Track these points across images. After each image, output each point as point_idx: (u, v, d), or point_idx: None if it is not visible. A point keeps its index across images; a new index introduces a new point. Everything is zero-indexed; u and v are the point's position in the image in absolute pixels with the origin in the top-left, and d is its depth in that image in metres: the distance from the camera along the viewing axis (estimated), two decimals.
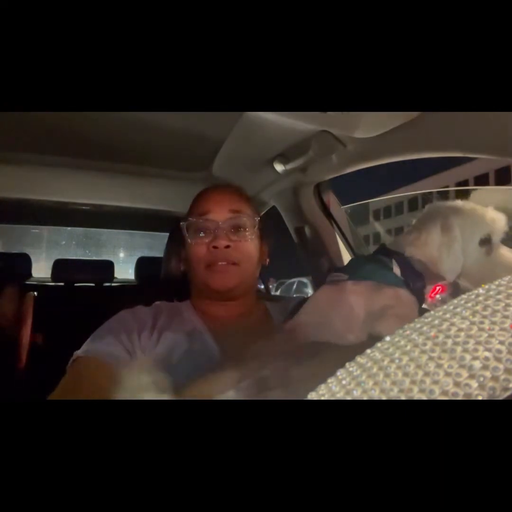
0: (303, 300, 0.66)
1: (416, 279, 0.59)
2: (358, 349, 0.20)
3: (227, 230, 0.69)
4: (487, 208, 0.59)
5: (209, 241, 0.69)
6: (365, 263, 0.64)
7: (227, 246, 0.69)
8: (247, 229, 0.72)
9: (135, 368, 0.50)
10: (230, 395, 0.48)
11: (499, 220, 0.58)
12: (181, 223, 0.72)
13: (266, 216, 1.43)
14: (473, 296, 0.19)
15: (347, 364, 0.19)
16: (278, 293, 6.48)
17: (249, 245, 0.72)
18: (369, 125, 0.73)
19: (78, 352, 0.63)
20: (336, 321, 0.57)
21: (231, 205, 0.72)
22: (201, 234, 0.70)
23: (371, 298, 0.56)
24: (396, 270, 0.59)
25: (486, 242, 0.57)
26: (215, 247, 0.68)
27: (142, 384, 0.44)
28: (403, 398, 0.16)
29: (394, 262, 0.59)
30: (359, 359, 0.19)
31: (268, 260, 0.81)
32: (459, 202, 0.61)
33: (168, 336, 0.65)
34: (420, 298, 0.59)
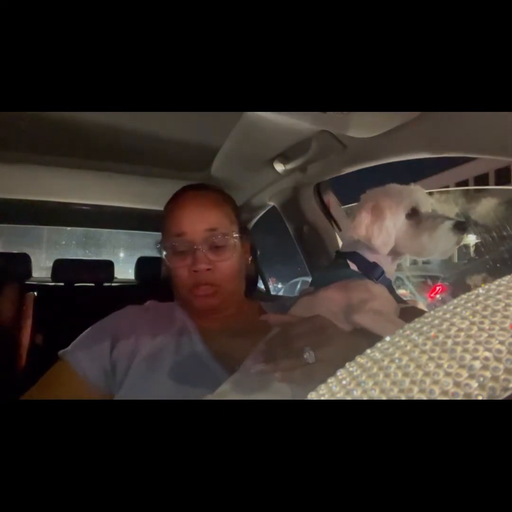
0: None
1: (373, 268, 0.64)
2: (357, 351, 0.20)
3: (206, 252, 0.67)
4: (406, 185, 0.66)
5: (189, 264, 0.67)
6: (325, 270, 0.72)
7: (208, 269, 0.67)
8: (226, 246, 0.69)
9: None
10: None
11: (417, 194, 0.64)
12: (157, 246, 0.71)
13: (262, 216, 1.44)
14: (473, 296, 0.19)
15: (347, 364, 0.19)
16: (281, 293, 6.47)
17: (230, 263, 0.69)
18: (369, 125, 0.73)
19: (60, 353, 0.64)
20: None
21: (205, 223, 0.68)
22: (180, 256, 0.68)
23: (344, 296, 0.60)
24: (353, 267, 0.65)
25: (412, 214, 0.64)
26: (195, 271, 0.66)
27: None
28: (403, 398, 0.16)
29: (348, 261, 0.65)
30: (359, 359, 0.19)
31: (251, 258, 0.79)
32: (383, 187, 0.68)
33: (157, 336, 0.65)
34: (386, 284, 0.64)
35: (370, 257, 0.65)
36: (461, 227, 0.61)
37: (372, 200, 0.65)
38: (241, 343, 0.58)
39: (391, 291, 0.65)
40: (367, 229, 0.63)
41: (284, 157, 1.02)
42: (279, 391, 0.47)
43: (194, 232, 0.67)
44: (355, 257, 0.65)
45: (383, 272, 0.64)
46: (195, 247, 0.66)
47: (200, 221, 0.68)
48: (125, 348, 0.63)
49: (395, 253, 0.66)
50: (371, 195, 0.67)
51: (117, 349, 0.63)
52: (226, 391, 0.50)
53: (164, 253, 0.70)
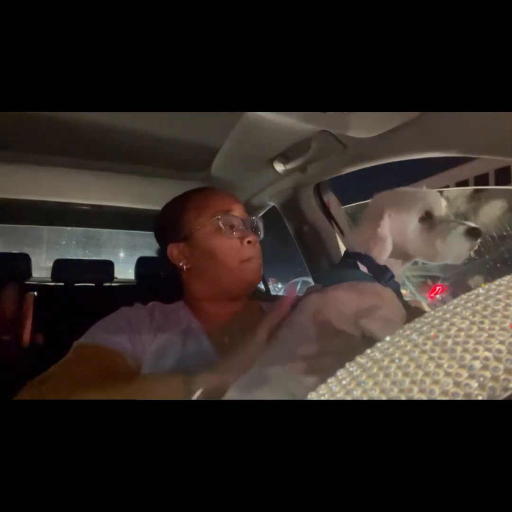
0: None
1: (383, 272, 0.62)
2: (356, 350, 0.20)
3: (250, 227, 0.76)
4: (419, 189, 0.65)
5: (239, 237, 0.72)
6: (334, 269, 0.71)
7: (256, 242, 0.75)
8: (258, 228, 0.79)
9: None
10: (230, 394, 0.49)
11: (431, 196, 0.63)
12: (214, 218, 0.72)
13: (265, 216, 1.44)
14: (473, 296, 0.19)
15: (347, 364, 0.19)
16: (281, 293, 6.48)
17: (259, 246, 0.78)
18: (369, 125, 0.72)
19: (80, 340, 0.64)
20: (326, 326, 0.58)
21: (242, 206, 0.77)
22: (229, 230, 0.73)
23: (354, 299, 0.59)
24: (363, 268, 0.63)
25: (426, 218, 0.62)
26: (249, 242, 0.72)
27: None
28: (403, 398, 0.16)
29: (358, 262, 0.64)
30: (359, 359, 0.19)
31: None
32: (393, 190, 0.67)
33: (164, 335, 0.67)
34: (395, 288, 0.63)
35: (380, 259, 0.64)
36: (474, 232, 0.60)
37: (381, 207, 0.64)
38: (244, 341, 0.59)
39: (399, 295, 0.63)
40: (366, 242, 0.64)
41: (284, 157, 1.02)
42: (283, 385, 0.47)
43: (240, 210, 0.75)
44: (365, 258, 0.63)
45: (392, 276, 0.63)
46: (244, 221, 0.74)
47: (240, 202, 0.78)
48: (142, 338, 0.65)
49: (406, 256, 0.65)
50: (381, 200, 0.66)
51: (138, 334, 0.65)
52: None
53: (196, 233, 0.72)
